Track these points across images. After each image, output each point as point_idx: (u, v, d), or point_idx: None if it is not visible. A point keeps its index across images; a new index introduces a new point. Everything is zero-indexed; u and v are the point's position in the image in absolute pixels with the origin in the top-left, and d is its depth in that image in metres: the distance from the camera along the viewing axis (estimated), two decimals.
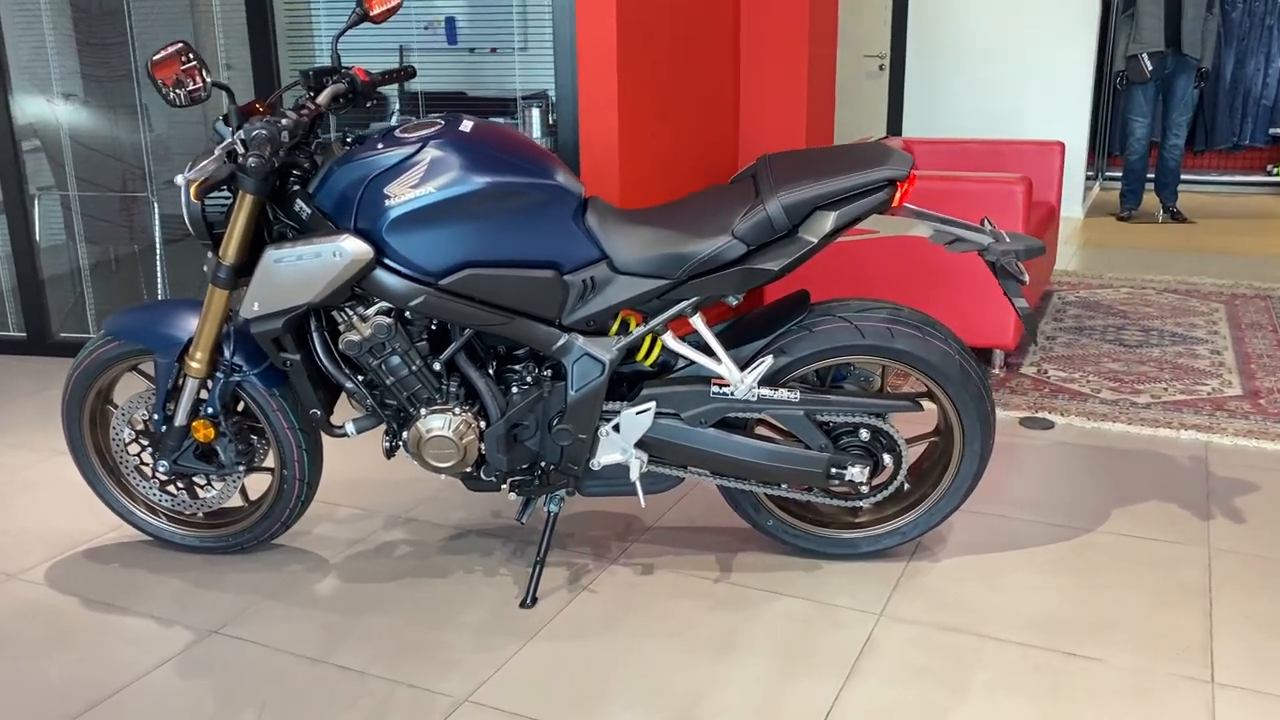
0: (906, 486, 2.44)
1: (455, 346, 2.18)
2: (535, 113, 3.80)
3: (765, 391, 2.20)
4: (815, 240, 2.05)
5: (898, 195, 2.08)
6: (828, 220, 2.04)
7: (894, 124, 7.16)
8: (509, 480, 2.29)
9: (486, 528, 2.64)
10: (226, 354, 2.26)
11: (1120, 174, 7.13)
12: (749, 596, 2.30)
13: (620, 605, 2.27)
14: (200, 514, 2.52)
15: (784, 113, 4.32)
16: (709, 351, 2.19)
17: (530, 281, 2.09)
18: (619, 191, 3.54)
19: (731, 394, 2.17)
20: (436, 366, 2.19)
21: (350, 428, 2.27)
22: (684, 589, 2.34)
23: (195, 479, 2.47)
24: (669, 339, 2.17)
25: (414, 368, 2.18)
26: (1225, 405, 3.39)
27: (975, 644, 2.12)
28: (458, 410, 2.19)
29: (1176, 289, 4.95)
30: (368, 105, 2.26)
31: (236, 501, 2.53)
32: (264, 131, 1.93)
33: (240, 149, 1.96)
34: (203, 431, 2.29)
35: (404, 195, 2.02)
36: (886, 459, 2.30)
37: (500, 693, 1.99)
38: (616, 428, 2.22)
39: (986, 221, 2.24)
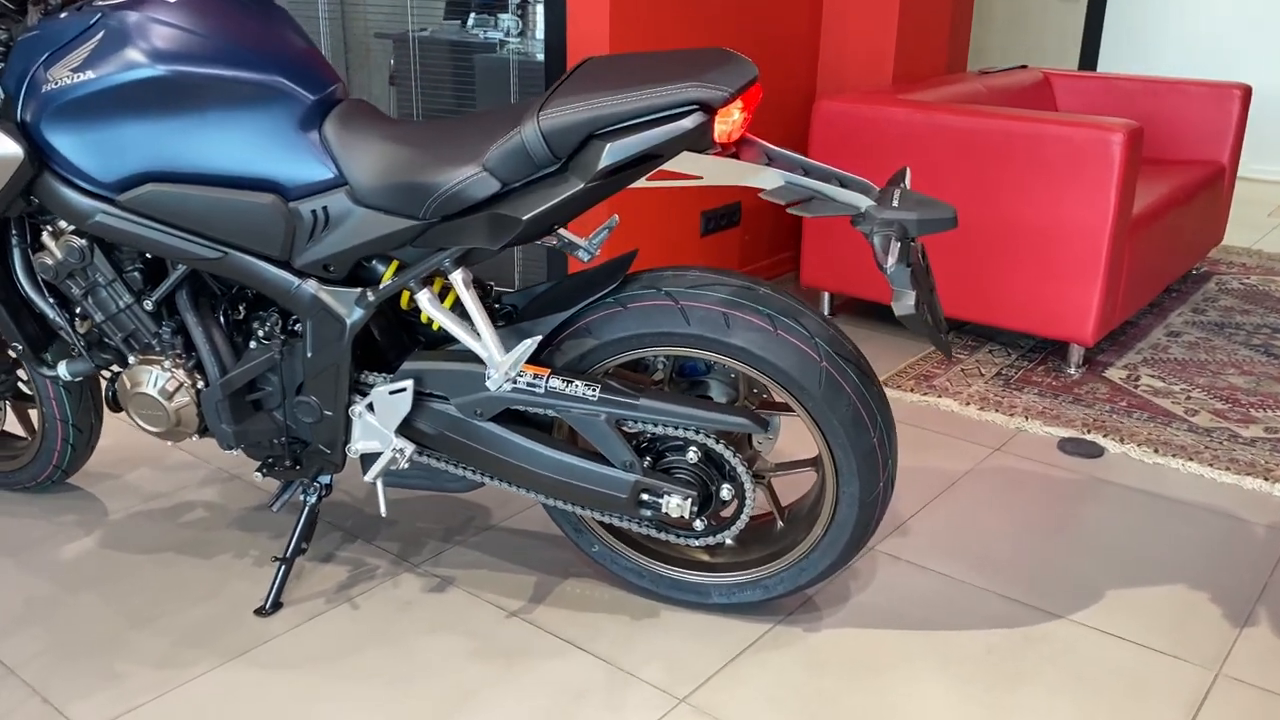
0: (780, 526, 1.81)
1: (170, 283, 1.72)
2: (539, 10, 3.24)
3: (555, 383, 1.63)
4: (583, 183, 1.44)
5: (727, 126, 1.43)
6: (600, 153, 1.42)
7: (1088, 57, 6.07)
8: (266, 459, 1.83)
9: None
10: None
11: None
12: (535, 645, 1.76)
13: (372, 631, 1.79)
14: None
15: (874, 22, 3.56)
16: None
17: (238, 207, 1.59)
18: None
19: (496, 380, 1.60)
20: (149, 306, 1.74)
21: (63, 369, 1.86)
22: (464, 620, 1.82)
23: None
24: (424, 299, 1.62)
25: (122, 304, 1.74)
26: None
27: None
28: (169, 364, 1.74)
29: None
30: None
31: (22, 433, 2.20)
32: None
33: None
34: None
35: (62, 80, 1.56)
36: (727, 490, 1.68)
37: None
38: (372, 407, 1.71)
39: (903, 175, 1.56)
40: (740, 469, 1.65)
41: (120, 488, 2.23)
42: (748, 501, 1.67)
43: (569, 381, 1.62)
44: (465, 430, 1.69)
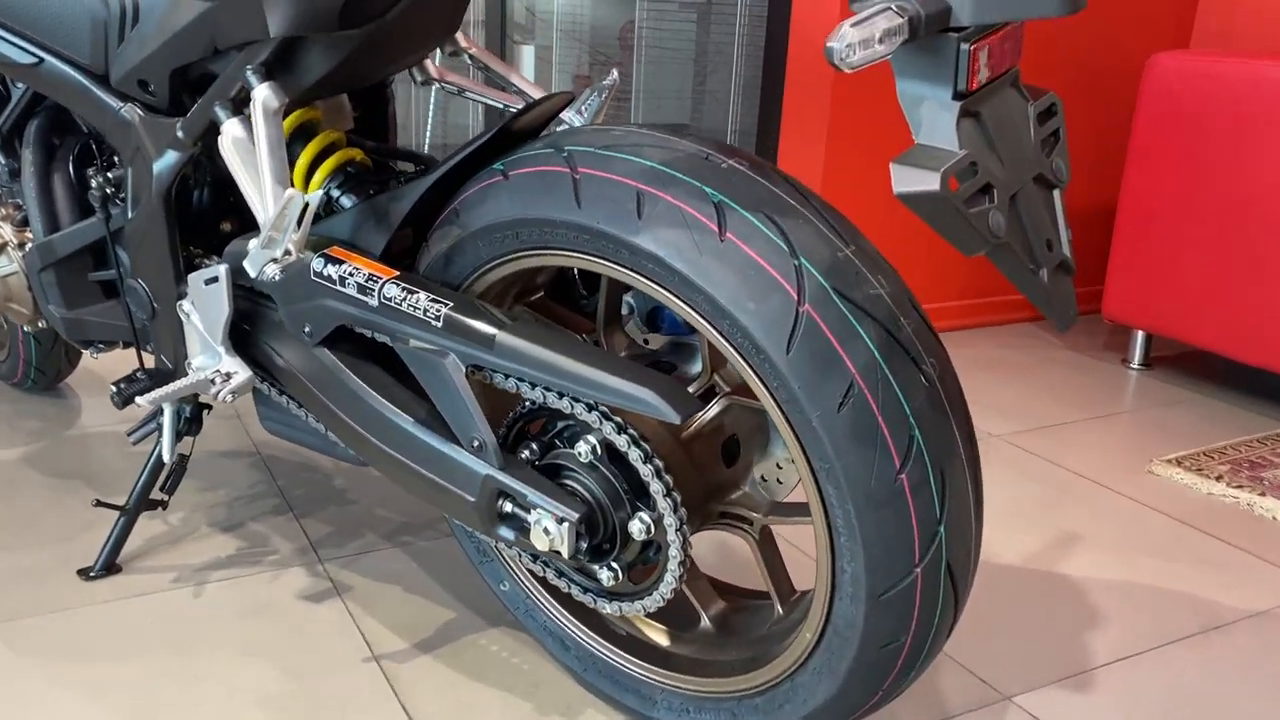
0: (778, 613, 1.04)
1: (10, 109, 1.29)
2: None
3: (394, 291, 0.99)
4: None
5: None
6: None
7: None
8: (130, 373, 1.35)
9: (284, 447, 1.71)
10: None
11: None
12: (365, 711, 1.12)
13: (183, 634, 1.24)
14: None
15: None
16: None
17: None
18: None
19: (256, 256, 0.99)
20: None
21: None
22: (307, 650, 1.22)
23: None
24: (226, 132, 1.04)
25: None
26: None
27: None
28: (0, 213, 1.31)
29: None
30: None
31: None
32: None
33: None
34: None
35: None
36: (639, 525, 0.95)
37: None
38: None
39: None
40: (656, 485, 0.91)
41: (112, 413, 1.87)
42: (673, 549, 0.93)
43: (411, 291, 0.98)
44: (298, 357, 1.10)
